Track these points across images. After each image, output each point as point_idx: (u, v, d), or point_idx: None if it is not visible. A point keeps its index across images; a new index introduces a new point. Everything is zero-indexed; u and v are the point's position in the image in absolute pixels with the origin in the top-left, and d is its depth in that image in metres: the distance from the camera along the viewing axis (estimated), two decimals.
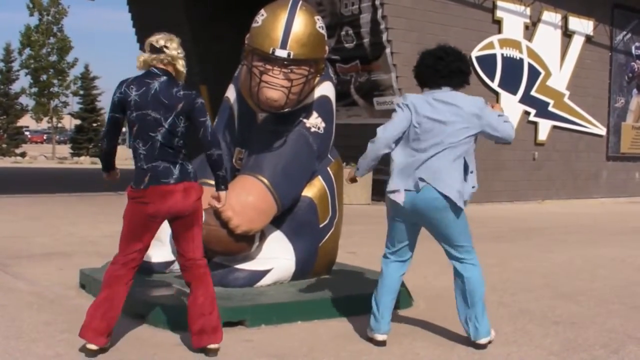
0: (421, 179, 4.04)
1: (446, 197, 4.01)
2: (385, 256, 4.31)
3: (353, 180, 4.54)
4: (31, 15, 36.53)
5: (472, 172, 4.13)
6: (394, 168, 4.20)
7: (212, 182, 5.25)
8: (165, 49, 3.86)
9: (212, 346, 3.91)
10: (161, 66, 3.87)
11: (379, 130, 4.22)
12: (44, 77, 36.36)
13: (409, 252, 4.30)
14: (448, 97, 4.15)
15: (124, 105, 3.82)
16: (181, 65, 3.92)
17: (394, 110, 4.26)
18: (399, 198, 4.09)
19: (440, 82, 4.19)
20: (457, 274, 4.21)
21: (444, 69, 4.17)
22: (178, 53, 3.90)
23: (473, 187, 4.12)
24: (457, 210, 4.05)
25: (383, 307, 4.22)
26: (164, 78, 3.84)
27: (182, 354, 3.97)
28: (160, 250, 5.26)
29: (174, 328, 4.30)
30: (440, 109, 4.11)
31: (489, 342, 4.21)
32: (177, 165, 3.83)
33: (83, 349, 3.87)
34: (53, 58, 36.66)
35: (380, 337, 4.22)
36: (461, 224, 4.12)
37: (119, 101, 3.83)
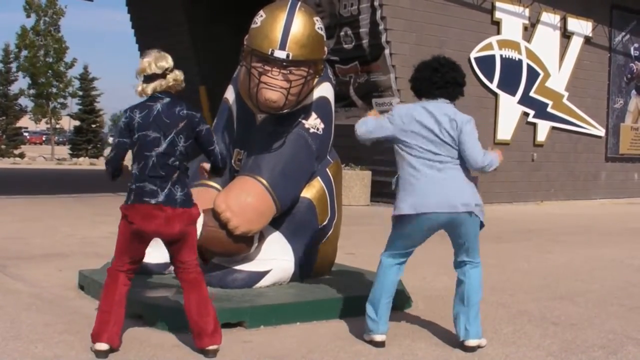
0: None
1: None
2: (383, 259, 4.31)
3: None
4: (28, 16, 36.48)
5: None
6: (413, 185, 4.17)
7: (212, 184, 5.30)
8: (157, 74, 3.88)
9: (211, 347, 3.92)
10: (163, 88, 3.91)
11: (364, 127, 4.31)
12: (42, 80, 36.26)
13: (410, 254, 4.33)
14: (436, 108, 4.18)
15: (130, 128, 3.87)
16: (172, 80, 3.92)
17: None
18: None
19: (436, 94, 4.24)
20: (461, 275, 4.26)
21: (439, 80, 4.22)
22: (170, 72, 3.90)
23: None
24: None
25: (382, 307, 4.23)
26: (167, 99, 3.90)
27: (181, 354, 3.97)
28: (159, 251, 5.24)
29: (173, 329, 4.30)
30: (430, 119, 4.15)
31: (479, 347, 4.20)
32: (165, 190, 3.83)
33: (93, 351, 3.86)
34: (50, 59, 36.56)
35: (379, 337, 4.22)
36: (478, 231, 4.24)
37: (126, 125, 3.88)
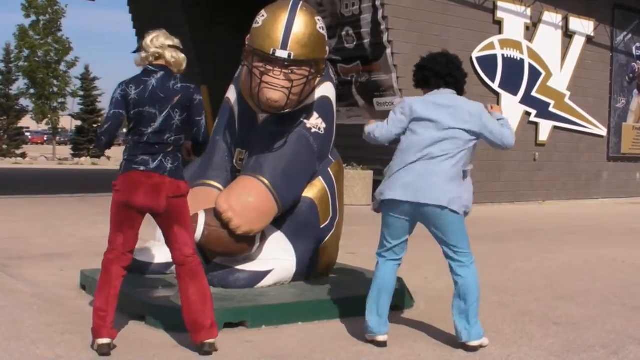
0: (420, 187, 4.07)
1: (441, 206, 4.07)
2: (380, 255, 4.31)
3: None
4: (27, 17, 36.43)
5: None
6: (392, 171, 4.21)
7: (212, 183, 5.30)
8: (152, 46, 3.91)
9: (209, 341, 3.91)
10: (155, 62, 3.93)
11: (376, 130, 4.33)
12: (41, 76, 36.17)
13: (404, 251, 4.31)
14: (447, 100, 4.21)
15: (127, 102, 3.87)
16: (169, 56, 3.94)
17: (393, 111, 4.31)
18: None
19: (440, 84, 4.26)
20: (454, 276, 4.23)
21: (442, 70, 4.26)
22: (164, 46, 3.93)
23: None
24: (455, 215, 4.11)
25: (382, 307, 4.23)
26: (160, 73, 3.92)
27: (182, 354, 3.97)
28: (160, 251, 5.26)
29: (174, 329, 4.30)
30: (438, 110, 4.17)
31: (481, 347, 4.20)
32: (157, 160, 3.85)
33: (96, 347, 3.87)
34: (50, 58, 36.52)
35: (381, 338, 4.21)
36: (461, 229, 4.16)
37: (122, 97, 3.88)
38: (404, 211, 4.14)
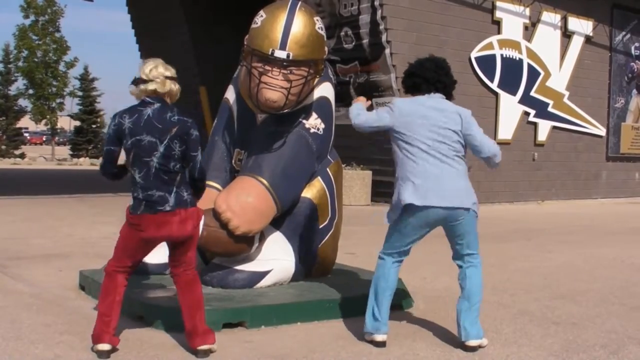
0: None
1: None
2: (382, 258, 4.31)
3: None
4: (26, 17, 36.39)
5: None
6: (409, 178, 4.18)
7: (213, 184, 5.30)
8: (151, 79, 3.87)
9: (202, 347, 3.92)
10: (158, 93, 3.90)
11: (362, 117, 4.41)
12: (40, 76, 36.09)
13: (408, 253, 4.33)
14: (437, 103, 4.25)
15: (120, 135, 3.84)
16: (168, 88, 3.90)
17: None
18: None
19: (430, 89, 4.29)
20: (462, 276, 4.27)
21: (432, 77, 4.30)
22: (164, 79, 3.88)
23: None
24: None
25: (382, 307, 4.23)
26: (157, 105, 3.87)
27: (182, 355, 3.97)
28: (159, 252, 5.24)
29: (174, 330, 4.30)
30: (430, 111, 4.21)
31: (480, 347, 4.20)
32: (173, 194, 3.84)
33: (95, 352, 3.86)
34: (49, 59, 36.47)
35: (380, 337, 4.22)
36: (476, 229, 4.26)
37: (115, 132, 3.86)
38: (427, 215, 4.12)
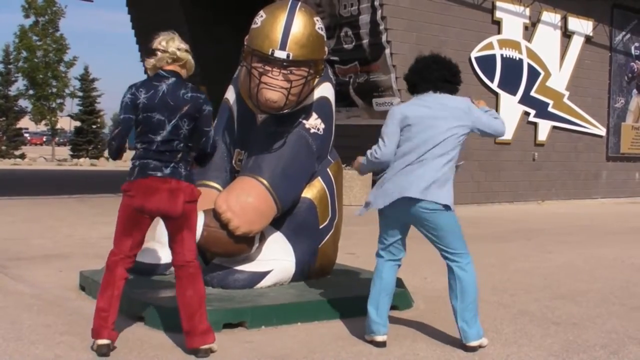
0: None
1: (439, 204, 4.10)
2: (379, 255, 4.32)
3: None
4: (27, 17, 36.40)
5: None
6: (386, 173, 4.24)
7: (213, 184, 5.30)
8: (166, 49, 3.88)
9: (204, 347, 3.91)
10: (168, 67, 3.90)
11: (375, 154, 4.32)
12: (40, 76, 36.07)
13: (402, 251, 4.31)
14: (434, 98, 4.25)
15: (136, 106, 3.85)
16: (186, 59, 3.93)
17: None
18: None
19: (428, 87, 4.28)
20: (451, 276, 4.22)
21: (430, 75, 4.28)
22: (179, 49, 3.91)
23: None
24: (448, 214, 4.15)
25: (382, 307, 4.23)
26: (172, 79, 3.88)
27: (183, 355, 3.97)
28: (161, 251, 5.26)
29: (175, 330, 4.29)
30: (430, 107, 4.21)
31: (480, 347, 4.20)
32: (169, 166, 3.85)
33: (95, 347, 3.86)
34: (49, 59, 36.46)
35: (380, 338, 4.21)
36: (457, 228, 4.19)
37: (131, 102, 3.85)
38: (399, 209, 4.14)
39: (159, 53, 3.91)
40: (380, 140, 4.28)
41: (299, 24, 5.01)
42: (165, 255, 5.25)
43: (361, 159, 4.52)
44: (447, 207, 4.10)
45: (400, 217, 4.18)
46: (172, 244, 3.99)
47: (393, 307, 4.37)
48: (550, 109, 15.96)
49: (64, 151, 43.04)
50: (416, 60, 4.44)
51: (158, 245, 5.30)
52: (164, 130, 3.82)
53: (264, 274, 5.08)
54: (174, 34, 3.98)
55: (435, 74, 4.26)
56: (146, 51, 4.01)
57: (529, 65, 15.49)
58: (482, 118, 4.24)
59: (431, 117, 4.15)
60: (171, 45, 3.91)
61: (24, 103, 40.61)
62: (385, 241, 4.29)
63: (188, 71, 3.99)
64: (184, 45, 3.96)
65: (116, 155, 4.00)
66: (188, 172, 3.92)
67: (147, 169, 3.83)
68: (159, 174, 3.82)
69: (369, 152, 4.39)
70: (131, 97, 3.86)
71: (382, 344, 4.20)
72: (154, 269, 5.25)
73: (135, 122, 3.88)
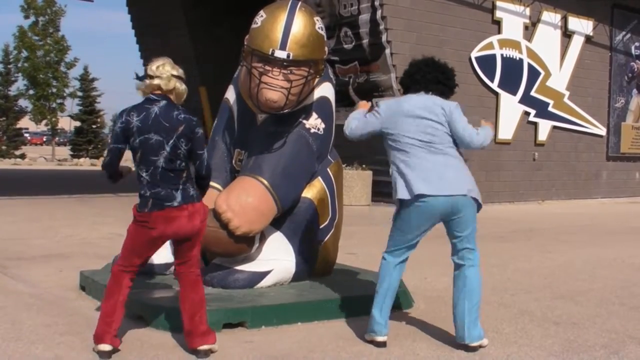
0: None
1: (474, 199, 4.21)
2: (385, 258, 4.31)
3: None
4: (26, 17, 36.39)
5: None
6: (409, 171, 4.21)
7: (213, 184, 5.29)
8: (157, 75, 3.89)
9: (204, 347, 3.92)
10: (158, 92, 3.91)
11: (352, 123, 4.44)
12: (41, 76, 36.06)
13: (412, 250, 4.32)
14: (426, 99, 4.29)
15: (127, 133, 3.85)
16: (174, 86, 3.91)
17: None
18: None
19: (418, 89, 4.33)
20: (458, 276, 4.24)
21: (421, 78, 4.34)
22: (170, 75, 3.90)
23: None
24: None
25: (386, 308, 4.23)
26: (163, 102, 3.89)
27: (183, 355, 3.97)
28: (161, 251, 5.24)
29: (175, 330, 4.30)
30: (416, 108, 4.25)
31: (480, 347, 4.20)
32: (179, 190, 3.85)
33: (97, 352, 3.86)
34: (50, 59, 36.45)
35: (381, 338, 4.22)
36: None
37: (122, 131, 3.86)
38: (426, 206, 4.13)
39: (151, 79, 3.92)
40: (364, 115, 4.42)
41: (299, 24, 5.01)
42: (165, 255, 5.25)
43: (355, 113, 4.50)
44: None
45: (429, 212, 4.17)
46: (179, 255, 4.02)
47: (393, 307, 4.36)
48: (550, 108, 15.96)
49: (64, 151, 43.04)
50: (410, 64, 4.50)
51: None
52: (164, 150, 3.81)
53: (264, 274, 5.08)
54: (166, 59, 3.96)
55: (427, 76, 4.32)
56: (137, 76, 3.99)
57: (529, 65, 15.49)
58: (460, 121, 4.24)
59: (424, 114, 4.22)
60: (161, 70, 3.90)
61: (24, 103, 40.63)
62: (400, 244, 4.26)
63: (177, 98, 3.96)
64: (174, 72, 3.93)
65: (114, 181, 4.06)
66: (197, 193, 3.94)
67: (160, 199, 3.82)
68: (175, 203, 3.83)
69: (351, 117, 4.47)
70: (122, 125, 3.85)
71: (383, 344, 4.21)
72: (154, 268, 5.24)
73: (131, 148, 3.88)
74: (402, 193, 4.14)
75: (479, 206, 4.24)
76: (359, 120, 4.43)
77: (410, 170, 4.14)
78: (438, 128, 4.19)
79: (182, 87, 3.96)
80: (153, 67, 3.92)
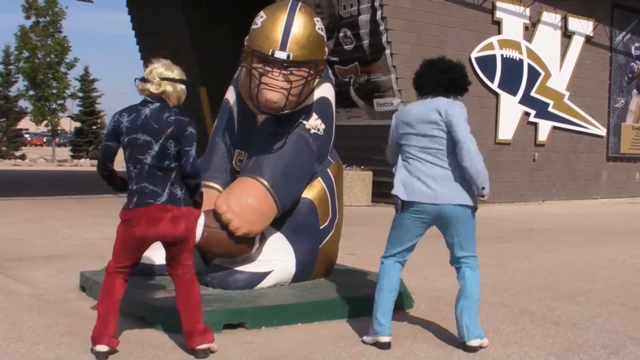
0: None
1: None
2: (386, 258, 4.32)
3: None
4: (27, 18, 36.42)
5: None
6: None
7: (212, 184, 5.30)
8: (149, 80, 3.91)
9: (202, 346, 3.93)
10: (153, 93, 3.92)
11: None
12: (41, 76, 36.07)
13: (410, 252, 4.34)
14: (429, 104, 4.27)
15: (117, 132, 3.90)
16: (165, 89, 3.91)
17: (393, 111, 4.36)
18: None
19: (430, 90, 4.32)
20: (459, 276, 4.27)
21: (425, 82, 4.34)
22: (160, 80, 3.90)
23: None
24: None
25: (387, 309, 4.24)
26: (156, 104, 3.91)
27: (183, 355, 3.97)
28: (160, 252, 5.24)
29: (174, 330, 4.30)
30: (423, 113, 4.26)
31: (480, 347, 4.20)
32: (166, 190, 3.85)
33: (94, 353, 3.87)
34: (50, 59, 36.46)
35: (385, 339, 4.22)
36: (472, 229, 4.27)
37: (113, 129, 3.93)
38: (417, 211, 4.18)
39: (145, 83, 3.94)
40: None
41: (299, 25, 5.01)
42: (164, 256, 5.25)
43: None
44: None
45: (420, 217, 4.22)
46: (170, 260, 4.02)
47: (394, 308, 4.36)
48: (550, 109, 15.96)
49: (64, 152, 43.05)
50: (420, 65, 4.48)
51: (156, 246, 5.28)
52: (152, 150, 3.83)
53: (264, 275, 5.08)
54: (160, 62, 3.96)
55: (430, 80, 4.31)
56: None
57: (529, 66, 15.49)
58: (460, 129, 4.13)
59: (416, 120, 4.25)
60: (153, 74, 3.91)
61: (24, 104, 40.65)
62: (396, 247, 4.29)
63: (170, 99, 3.94)
64: (168, 74, 3.91)
65: (113, 187, 4.09)
66: (185, 195, 3.92)
67: (144, 195, 3.84)
68: (158, 201, 3.83)
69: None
70: (113, 124, 3.93)
71: (387, 345, 4.20)
72: (155, 269, 5.24)
73: (123, 149, 3.91)
74: (399, 192, 4.22)
75: (474, 209, 4.22)
76: (387, 146, 4.55)
77: (404, 175, 4.23)
78: (435, 135, 4.17)
79: (177, 88, 3.95)
80: (147, 71, 3.96)
